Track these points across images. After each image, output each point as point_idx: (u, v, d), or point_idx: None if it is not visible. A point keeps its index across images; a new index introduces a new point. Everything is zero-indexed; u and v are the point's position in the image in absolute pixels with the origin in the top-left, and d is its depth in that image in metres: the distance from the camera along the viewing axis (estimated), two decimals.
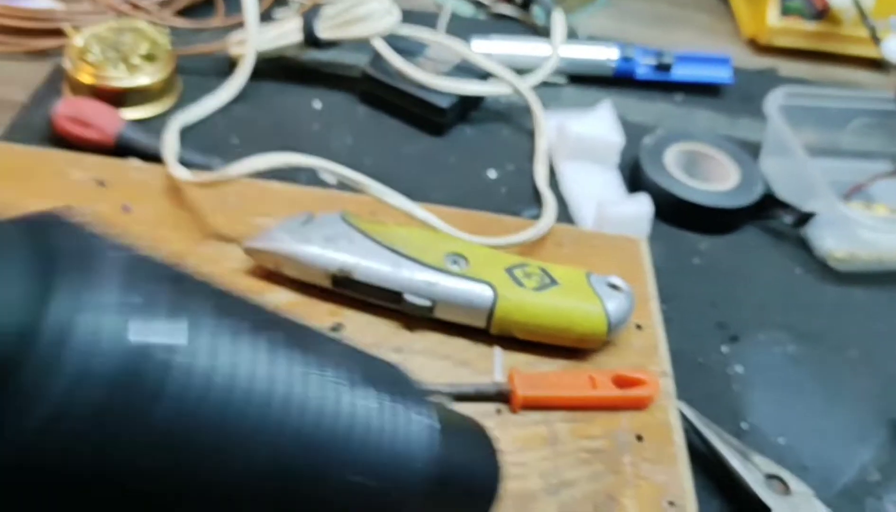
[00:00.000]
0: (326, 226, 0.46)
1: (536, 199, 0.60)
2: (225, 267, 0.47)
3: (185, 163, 0.54)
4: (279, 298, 0.46)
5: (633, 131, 0.68)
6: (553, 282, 0.46)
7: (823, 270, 0.60)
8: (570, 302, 0.45)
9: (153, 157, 0.54)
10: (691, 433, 0.45)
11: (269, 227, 0.47)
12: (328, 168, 0.47)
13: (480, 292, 0.44)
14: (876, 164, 0.70)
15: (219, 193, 0.51)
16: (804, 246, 0.62)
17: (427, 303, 0.44)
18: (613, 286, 0.46)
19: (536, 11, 0.81)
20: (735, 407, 0.49)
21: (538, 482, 0.40)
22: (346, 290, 0.45)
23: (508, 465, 0.40)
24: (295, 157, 0.46)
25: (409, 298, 0.44)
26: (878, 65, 0.84)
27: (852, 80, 0.82)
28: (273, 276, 0.46)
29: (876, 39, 0.77)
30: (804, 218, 0.60)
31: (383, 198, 0.48)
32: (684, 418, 0.45)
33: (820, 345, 0.54)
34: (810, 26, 0.82)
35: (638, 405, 0.43)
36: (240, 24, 0.69)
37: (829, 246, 0.60)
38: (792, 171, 0.63)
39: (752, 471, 0.44)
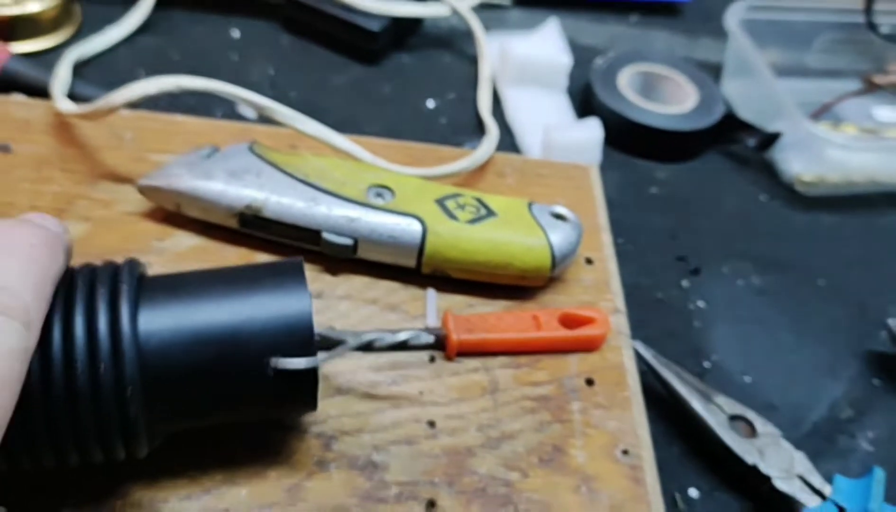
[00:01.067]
0: (232, 159, 0.41)
1: (480, 129, 0.55)
2: (119, 210, 0.41)
3: (79, 97, 0.48)
4: (181, 243, 0.40)
5: (584, 54, 0.62)
6: (490, 213, 0.41)
7: (790, 195, 0.56)
8: (509, 234, 0.40)
9: (43, 93, 0.48)
10: (649, 375, 0.41)
11: (169, 163, 0.41)
12: (230, 92, 0.41)
13: (407, 227, 0.39)
14: (843, 82, 0.66)
15: (113, 129, 0.45)
16: (769, 171, 0.57)
17: (348, 241, 0.39)
18: (558, 216, 0.42)
19: None
20: (697, 345, 0.45)
21: (476, 436, 0.35)
22: (255, 230, 0.40)
23: (443, 418, 0.36)
24: (189, 80, 0.40)
25: (327, 236, 0.39)
26: None
27: None
28: (174, 217, 0.41)
29: None
30: (769, 139, 0.56)
31: (297, 125, 0.42)
32: (641, 359, 0.41)
33: (787, 275, 0.50)
34: None
35: (588, 346, 0.39)
36: None
37: (795, 169, 0.56)
38: (755, 92, 0.59)
39: (714, 413, 0.40)
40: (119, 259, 0.30)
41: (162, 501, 0.31)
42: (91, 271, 0.29)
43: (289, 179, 0.40)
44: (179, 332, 0.28)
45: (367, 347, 0.35)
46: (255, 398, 0.29)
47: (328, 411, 0.35)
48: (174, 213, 0.40)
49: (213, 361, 0.28)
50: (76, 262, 0.30)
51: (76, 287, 0.27)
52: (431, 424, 0.35)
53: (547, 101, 0.57)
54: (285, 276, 0.30)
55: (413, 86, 0.59)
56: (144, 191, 0.40)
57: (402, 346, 0.36)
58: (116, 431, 0.27)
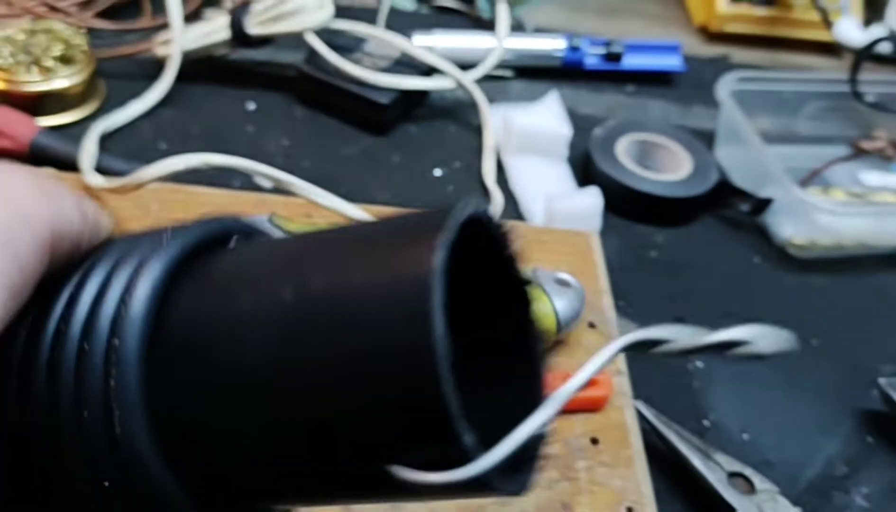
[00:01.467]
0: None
1: (485, 197, 0.58)
2: None
3: (106, 170, 0.51)
4: None
5: (583, 123, 0.65)
6: None
7: (783, 257, 0.58)
8: None
9: (72, 166, 0.51)
10: (650, 433, 0.43)
11: None
12: (251, 168, 0.44)
13: None
14: (832, 148, 0.69)
15: (140, 201, 0.47)
16: (762, 234, 0.60)
17: None
18: (562, 282, 0.44)
19: (481, 4, 0.78)
20: (696, 403, 0.47)
21: None
22: None
23: None
24: (214, 157, 0.43)
25: None
26: (830, 49, 0.83)
27: (806, 65, 0.81)
28: None
29: (827, 22, 0.76)
30: (761, 205, 0.58)
31: (313, 197, 0.45)
32: (643, 418, 0.43)
33: None
34: (761, 12, 0.81)
35: (592, 407, 0.41)
36: (166, 25, 0.65)
37: (787, 233, 0.58)
38: (747, 159, 0.61)
39: (714, 470, 0.41)
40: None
41: None
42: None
43: None
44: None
45: None
46: None
47: None
48: None
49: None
50: None
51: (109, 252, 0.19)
52: None
53: (549, 170, 0.59)
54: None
55: (421, 155, 0.62)
56: None
57: None
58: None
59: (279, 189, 0.48)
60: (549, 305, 0.42)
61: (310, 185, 0.45)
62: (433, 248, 0.15)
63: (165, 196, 0.48)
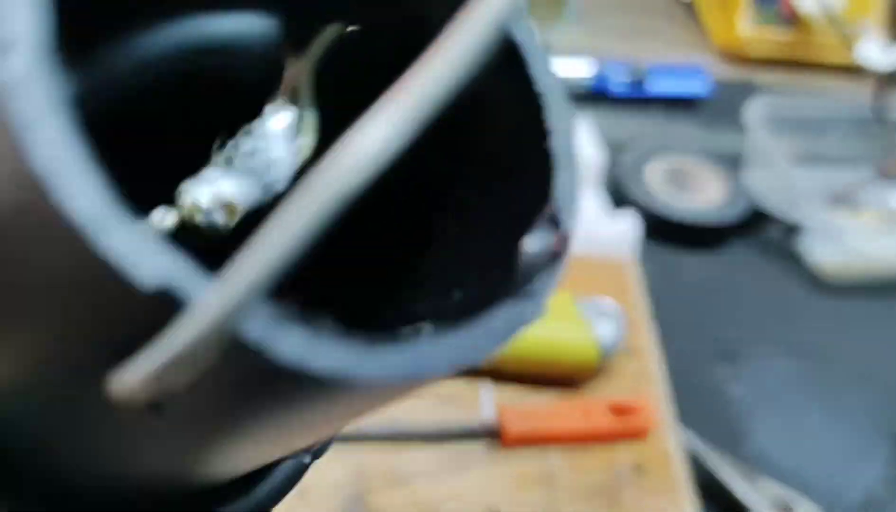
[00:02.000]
0: None
1: None
2: None
3: None
4: None
5: (610, 148, 0.66)
6: None
7: (815, 282, 0.58)
8: (557, 331, 0.43)
9: None
10: (692, 460, 0.43)
11: None
12: None
13: None
14: (858, 170, 0.69)
15: None
16: (795, 259, 0.60)
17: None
18: (602, 310, 0.44)
19: None
20: (736, 429, 0.48)
21: None
22: None
23: (506, 504, 0.38)
24: None
25: None
26: (852, 70, 0.83)
27: (828, 87, 0.82)
28: None
29: (849, 45, 0.76)
30: (792, 230, 0.59)
31: None
32: (685, 445, 0.43)
33: (818, 360, 0.53)
34: (782, 35, 0.82)
35: (636, 434, 0.41)
36: None
37: (819, 258, 0.58)
38: (776, 182, 0.62)
39: (757, 498, 0.42)
40: None
41: None
42: None
43: None
44: None
45: (431, 438, 0.37)
46: None
47: (394, 500, 0.37)
48: None
49: None
50: None
51: None
52: None
53: (584, 197, 0.60)
54: None
55: None
56: None
57: (463, 436, 0.38)
58: None
59: None
60: (591, 335, 0.43)
61: None
62: None
63: None
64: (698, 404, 0.49)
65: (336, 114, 0.10)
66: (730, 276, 0.58)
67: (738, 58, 0.83)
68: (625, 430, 0.41)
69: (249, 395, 0.09)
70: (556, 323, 0.43)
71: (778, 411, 0.49)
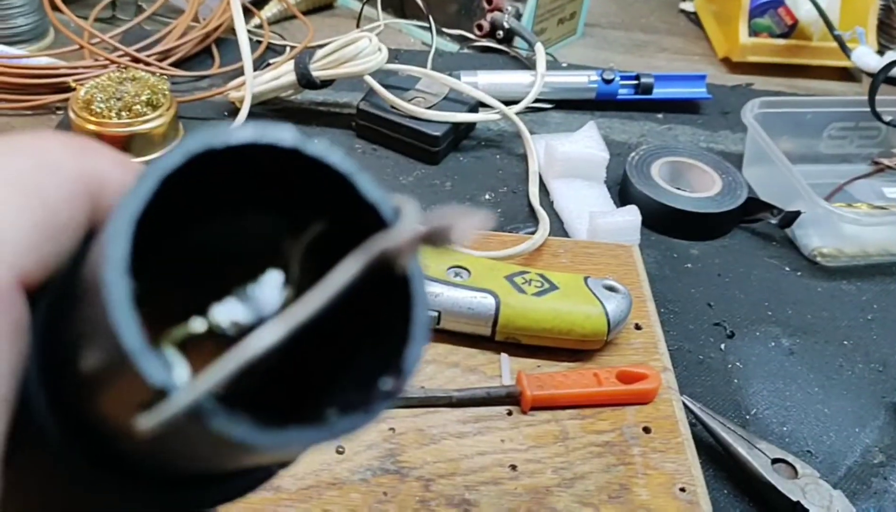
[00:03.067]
0: None
1: (531, 217, 0.63)
2: None
3: None
4: None
5: (618, 150, 0.70)
6: (552, 287, 0.48)
7: (811, 267, 0.62)
8: (570, 305, 0.47)
9: None
10: (697, 425, 0.47)
11: None
12: None
13: (483, 301, 0.46)
14: (854, 166, 0.73)
15: None
16: (791, 246, 0.64)
17: (433, 314, 0.46)
18: (611, 288, 0.48)
19: (518, 43, 0.84)
20: (737, 399, 0.51)
21: (553, 477, 0.41)
22: None
23: (523, 462, 0.42)
24: None
25: None
26: (848, 74, 0.87)
27: (825, 91, 0.86)
28: None
29: (845, 50, 0.80)
30: (789, 217, 0.62)
31: None
32: (689, 411, 0.47)
33: (814, 337, 0.56)
34: (781, 42, 0.86)
35: (643, 399, 0.45)
36: (235, 72, 0.72)
37: (815, 244, 0.62)
38: (774, 178, 0.66)
39: (758, 457, 0.45)
40: None
41: None
42: None
43: None
44: None
45: (457, 403, 0.41)
46: None
47: (425, 458, 0.41)
48: None
49: None
50: None
51: None
52: (513, 467, 0.42)
53: (589, 192, 0.64)
54: None
55: (470, 182, 0.67)
56: None
57: (486, 401, 0.42)
58: None
59: None
60: (601, 308, 0.47)
61: None
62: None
63: None
64: (701, 377, 0.52)
65: (313, 278, 0.16)
66: (730, 262, 0.62)
67: (740, 65, 0.87)
68: (633, 394, 0.45)
69: (205, 445, 0.16)
70: (570, 298, 0.47)
71: (775, 384, 0.52)
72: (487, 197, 0.66)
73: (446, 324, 0.47)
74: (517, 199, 0.65)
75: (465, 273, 0.48)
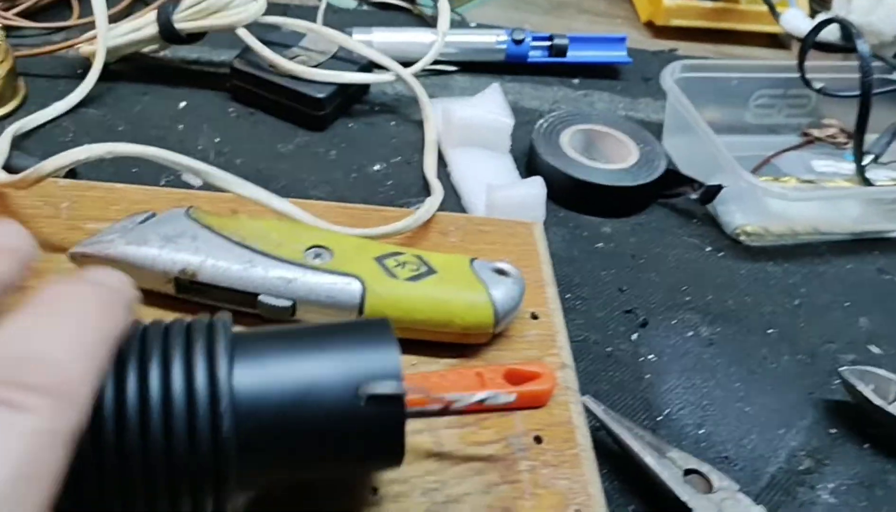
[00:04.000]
0: (167, 224, 0.40)
1: (426, 191, 0.55)
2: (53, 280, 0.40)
3: (17, 169, 0.47)
4: None
5: (528, 117, 0.63)
6: (430, 271, 0.40)
7: (734, 247, 0.56)
8: (449, 291, 0.39)
9: None
10: (600, 430, 0.40)
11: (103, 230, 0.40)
12: (161, 157, 0.41)
13: (345, 287, 0.38)
14: (782, 138, 0.67)
15: (49, 199, 0.44)
16: (713, 224, 0.58)
17: (286, 303, 0.38)
18: (500, 271, 0.41)
19: (422, 1, 0.76)
20: (648, 398, 0.45)
21: (421, 501, 0.34)
22: (192, 295, 0.39)
23: (386, 483, 0.34)
24: (120, 146, 0.40)
25: (264, 299, 0.38)
26: (778, 41, 0.82)
27: (754, 56, 0.80)
28: None
29: (774, 13, 0.75)
30: (711, 192, 0.56)
31: (233, 188, 0.42)
32: (591, 414, 0.40)
33: (736, 325, 0.50)
34: (707, 4, 0.80)
35: (534, 402, 0.38)
36: (93, 24, 0.62)
37: (738, 221, 0.56)
38: (695, 148, 0.59)
39: (669, 468, 0.39)
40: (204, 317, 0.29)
41: None
42: (184, 325, 0.28)
43: (225, 242, 0.39)
44: (272, 376, 0.28)
45: None
46: (342, 440, 0.28)
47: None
48: None
49: (303, 399, 0.28)
50: None
51: (169, 338, 0.27)
52: (374, 490, 0.34)
53: (491, 163, 0.57)
54: (372, 327, 0.30)
55: (359, 151, 0.59)
56: (76, 258, 0.39)
57: None
58: (209, 487, 0.26)
59: (207, 186, 0.45)
60: (486, 295, 0.39)
61: (231, 175, 0.42)
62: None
63: (78, 193, 0.45)
64: (609, 372, 0.46)
65: None
66: (645, 242, 0.55)
67: (664, 29, 0.81)
68: (522, 397, 0.38)
69: None
70: (450, 283, 0.40)
71: (693, 379, 0.46)
72: (377, 168, 0.58)
73: (303, 314, 0.39)
74: (412, 170, 0.58)
75: (326, 254, 0.40)
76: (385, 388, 0.28)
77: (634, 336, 0.48)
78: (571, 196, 0.56)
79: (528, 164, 0.59)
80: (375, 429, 0.29)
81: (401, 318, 0.39)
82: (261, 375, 0.28)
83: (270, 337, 0.30)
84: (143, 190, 0.46)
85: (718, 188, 0.56)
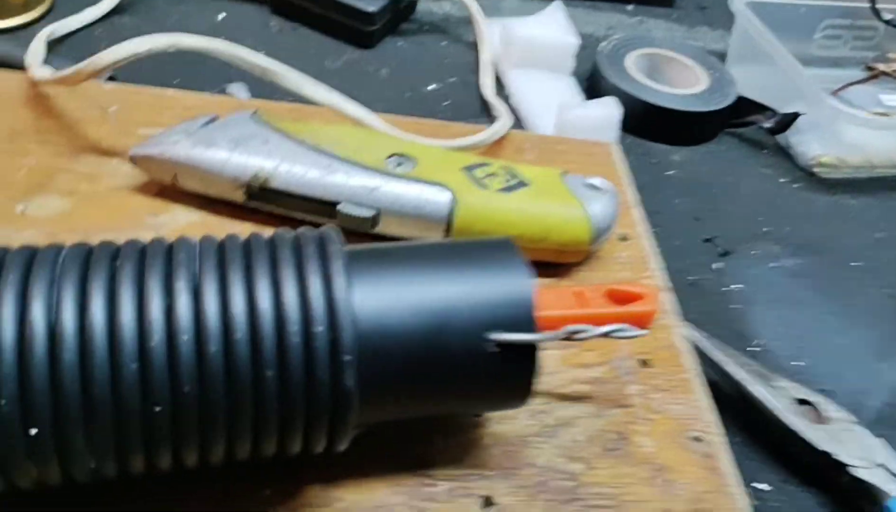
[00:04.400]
0: (234, 127, 0.36)
1: (483, 113, 0.52)
2: (106, 184, 0.36)
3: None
4: (179, 219, 0.35)
5: (584, 42, 0.59)
6: (522, 183, 0.37)
7: (808, 179, 0.53)
8: (544, 204, 0.36)
9: (18, 68, 0.43)
10: (699, 358, 0.38)
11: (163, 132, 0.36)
12: (235, 54, 0.37)
13: (434, 196, 0.35)
14: (846, 71, 0.64)
15: (95, 102, 0.40)
16: (784, 155, 0.55)
17: (368, 213, 0.35)
18: (593, 187, 0.38)
19: None
20: (739, 328, 0.42)
21: (530, 424, 0.31)
22: (263, 203, 0.35)
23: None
24: (186, 38, 0.36)
25: (345, 208, 0.35)
26: None
27: None
28: (169, 191, 0.36)
29: None
30: (786, 121, 0.53)
31: (303, 91, 0.38)
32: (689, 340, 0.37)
33: (819, 257, 0.47)
34: None
35: (638, 324, 0.35)
36: None
37: (814, 152, 0.53)
38: (766, 76, 0.56)
39: (778, 397, 0.36)
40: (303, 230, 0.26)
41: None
42: (294, 237, 0.25)
43: (300, 147, 0.35)
44: (394, 301, 0.24)
45: None
46: (469, 380, 0.25)
47: None
48: (169, 186, 0.36)
49: (429, 335, 0.24)
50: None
51: (279, 249, 0.24)
52: (477, 413, 0.31)
53: (554, 84, 0.53)
54: (498, 251, 0.27)
55: (411, 70, 0.55)
56: (137, 161, 0.36)
57: None
58: (327, 408, 0.23)
59: (261, 95, 0.41)
60: (583, 210, 0.36)
61: (302, 76, 0.39)
62: None
63: (126, 97, 0.41)
64: (695, 302, 0.43)
65: None
66: (717, 171, 0.52)
67: None
68: (626, 319, 0.35)
69: None
70: (544, 196, 0.36)
71: (782, 310, 0.43)
72: (432, 87, 0.54)
73: (385, 227, 0.35)
74: (468, 91, 0.54)
75: (410, 163, 0.37)
76: (519, 337, 0.25)
77: (716, 265, 0.45)
78: (640, 122, 0.53)
79: (591, 87, 0.55)
80: (504, 373, 0.26)
81: (493, 231, 0.35)
82: (381, 301, 0.24)
83: (387, 256, 0.26)
84: (196, 96, 0.43)
85: (795, 116, 0.53)
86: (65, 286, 0.21)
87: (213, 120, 0.37)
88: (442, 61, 0.56)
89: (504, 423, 0.31)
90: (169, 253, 0.23)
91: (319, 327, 0.22)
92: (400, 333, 0.24)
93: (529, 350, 0.25)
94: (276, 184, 0.35)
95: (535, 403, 0.32)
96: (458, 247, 0.27)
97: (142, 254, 0.23)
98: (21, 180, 0.35)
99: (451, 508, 0.28)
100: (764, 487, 0.35)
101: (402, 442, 0.29)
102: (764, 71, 0.56)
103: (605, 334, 0.29)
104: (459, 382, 0.25)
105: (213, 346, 0.21)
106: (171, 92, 0.42)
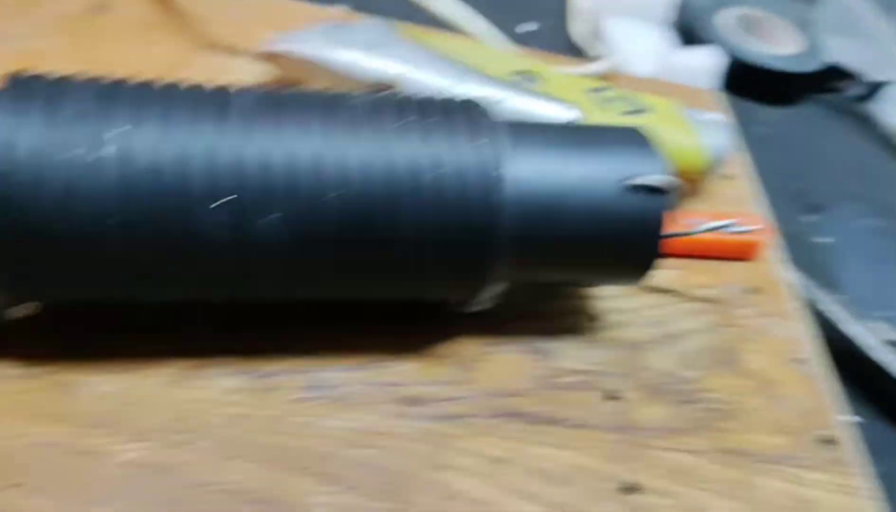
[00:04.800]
0: (367, 32, 0.37)
1: (580, 56, 0.52)
2: (234, 79, 0.37)
3: None
4: None
5: None
6: (641, 109, 0.38)
7: (894, 145, 0.54)
8: (664, 131, 0.37)
9: None
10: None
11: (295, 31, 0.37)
12: None
13: (561, 113, 0.36)
14: None
15: (221, 5, 0.41)
16: (871, 122, 0.55)
17: None
18: (709, 121, 0.39)
19: None
20: (828, 278, 0.43)
21: (646, 331, 0.32)
22: None
23: (606, 312, 0.33)
24: None
25: None
26: None
27: None
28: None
29: None
30: (875, 89, 0.54)
31: (427, 4, 0.39)
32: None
33: None
34: None
35: (746, 253, 0.36)
36: None
37: None
38: (855, 44, 0.57)
39: (870, 336, 0.37)
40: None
41: (321, 370, 0.27)
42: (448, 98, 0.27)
43: (431, 56, 0.36)
44: (543, 146, 0.27)
45: None
46: (606, 227, 0.27)
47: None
48: (295, 84, 0.37)
49: (574, 181, 0.26)
50: None
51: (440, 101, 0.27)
52: (593, 317, 0.32)
53: (653, 33, 0.54)
54: (630, 132, 0.29)
55: (499, 11, 0.56)
56: (268, 57, 0.36)
57: None
58: (473, 267, 0.26)
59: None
60: (700, 140, 0.37)
61: None
62: None
63: (250, 3, 0.42)
64: (787, 251, 0.44)
65: None
66: (805, 132, 0.53)
67: None
68: (734, 246, 0.36)
69: None
70: (664, 124, 0.37)
71: (871, 265, 0.44)
72: (524, 30, 0.55)
73: None
74: (560, 36, 0.55)
75: (535, 80, 0.37)
76: (653, 180, 0.27)
77: (806, 218, 0.46)
78: (731, 78, 0.53)
79: (684, 40, 0.56)
80: (639, 224, 0.27)
81: None
82: (530, 155, 0.26)
83: (528, 124, 0.28)
84: (322, 8, 0.44)
85: (883, 85, 0.53)
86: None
87: (345, 24, 0.38)
88: (529, 5, 0.57)
89: (620, 328, 0.32)
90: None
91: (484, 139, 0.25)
92: (545, 186, 0.26)
93: (662, 200, 0.27)
94: (409, 89, 0.36)
95: (649, 315, 0.33)
96: (591, 127, 0.30)
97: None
98: (153, 71, 0.36)
99: (576, 397, 0.29)
100: (857, 419, 0.36)
101: (530, 333, 0.30)
102: (854, 38, 0.56)
103: (721, 228, 0.31)
104: (595, 234, 0.27)
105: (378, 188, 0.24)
106: (296, 3, 0.43)
